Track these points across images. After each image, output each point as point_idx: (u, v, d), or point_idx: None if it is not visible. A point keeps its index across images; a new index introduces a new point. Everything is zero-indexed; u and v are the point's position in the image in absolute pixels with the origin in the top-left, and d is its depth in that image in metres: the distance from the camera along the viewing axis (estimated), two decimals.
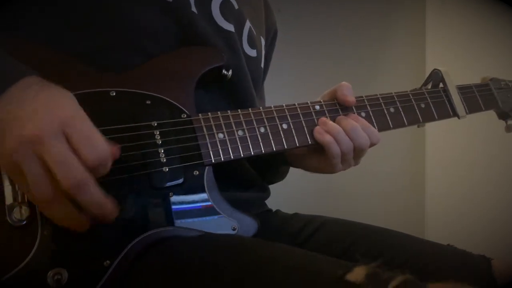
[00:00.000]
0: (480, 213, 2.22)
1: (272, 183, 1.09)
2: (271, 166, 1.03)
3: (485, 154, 2.23)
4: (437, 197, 2.43)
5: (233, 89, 0.91)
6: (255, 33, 0.99)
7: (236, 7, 0.94)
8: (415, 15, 2.48)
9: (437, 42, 2.38)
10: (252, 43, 0.97)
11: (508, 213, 2.11)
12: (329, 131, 0.86)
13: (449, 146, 2.38)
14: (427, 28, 2.45)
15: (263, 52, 1.03)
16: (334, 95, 0.92)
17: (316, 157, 0.92)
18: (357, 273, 0.55)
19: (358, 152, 0.89)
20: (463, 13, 2.30)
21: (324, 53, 2.22)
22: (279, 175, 1.09)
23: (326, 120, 0.88)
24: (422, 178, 2.48)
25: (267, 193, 1.03)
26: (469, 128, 2.25)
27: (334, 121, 0.88)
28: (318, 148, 0.89)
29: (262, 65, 1.02)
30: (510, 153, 2.15)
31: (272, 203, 1.06)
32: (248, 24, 0.96)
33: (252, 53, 0.97)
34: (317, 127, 0.87)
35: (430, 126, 2.38)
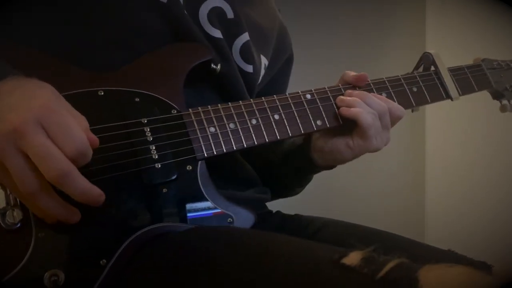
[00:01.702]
0: (481, 213, 2.22)
1: (294, 190, 1.10)
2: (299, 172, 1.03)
3: (485, 153, 2.24)
4: (437, 197, 2.43)
5: (225, 92, 0.91)
6: (253, 49, 0.97)
7: (230, 16, 0.93)
8: (415, 15, 2.49)
9: (437, 42, 2.39)
10: (247, 58, 0.95)
11: (508, 212, 2.11)
12: (350, 104, 0.88)
13: (449, 146, 2.38)
14: (427, 28, 2.46)
15: (263, 71, 1.02)
16: (343, 81, 0.95)
17: (346, 140, 0.91)
18: (353, 257, 0.55)
19: (382, 121, 0.90)
20: (463, 13, 2.31)
21: (323, 53, 2.22)
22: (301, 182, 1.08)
23: (342, 98, 0.90)
24: (422, 178, 2.48)
25: (267, 196, 1.02)
26: (469, 128, 2.25)
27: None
28: (344, 131, 0.90)
29: (258, 83, 1.01)
30: (510, 152, 2.15)
31: (272, 203, 1.06)
32: (245, 37, 0.95)
33: (247, 68, 0.95)
34: (341, 108, 0.89)
35: (430, 126, 2.40)
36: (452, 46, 2.25)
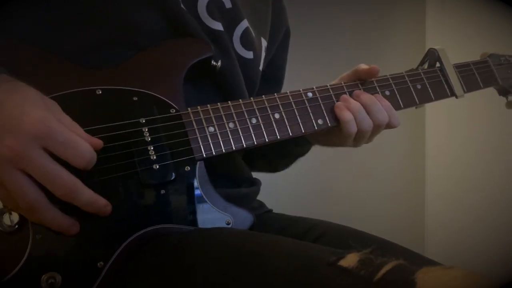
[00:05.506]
0: (481, 214, 2.20)
1: (280, 166, 1.09)
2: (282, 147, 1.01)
3: (486, 154, 2.22)
4: (437, 198, 2.42)
5: (224, 88, 0.90)
6: (253, 33, 0.96)
7: (229, 6, 0.92)
8: (415, 15, 2.48)
9: (437, 42, 2.38)
10: (247, 44, 0.94)
11: (509, 213, 2.10)
12: (349, 108, 0.87)
13: (449, 146, 2.37)
14: (427, 28, 2.44)
15: (264, 54, 1.01)
16: (354, 74, 0.94)
17: (327, 133, 0.91)
18: (350, 259, 0.54)
19: (375, 131, 0.90)
20: (463, 13, 2.30)
21: (323, 53, 2.22)
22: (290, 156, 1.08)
23: (347, 97, 0.89)
24: (422, 178, 2.47)
25: (258, 187, 1.00)
26: (470, 128, 2.25)
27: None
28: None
29: (261, 68, 1.00)
30: (511, 152, 2.14)
31: (272, 204, 1.05)
32: (244, 24, 0.94)
33: (248, 54, 0.95)
34: (339, 103, 0.88)
35: (430, 126, 2.40)
36: (452, 46, 2.25)
